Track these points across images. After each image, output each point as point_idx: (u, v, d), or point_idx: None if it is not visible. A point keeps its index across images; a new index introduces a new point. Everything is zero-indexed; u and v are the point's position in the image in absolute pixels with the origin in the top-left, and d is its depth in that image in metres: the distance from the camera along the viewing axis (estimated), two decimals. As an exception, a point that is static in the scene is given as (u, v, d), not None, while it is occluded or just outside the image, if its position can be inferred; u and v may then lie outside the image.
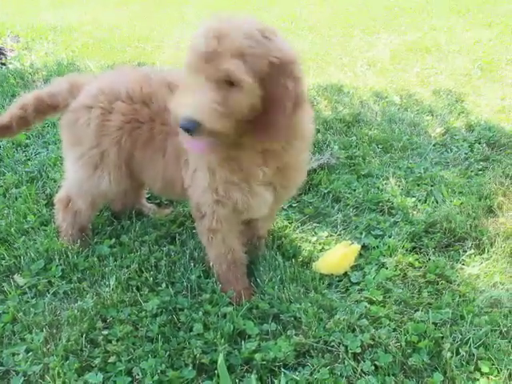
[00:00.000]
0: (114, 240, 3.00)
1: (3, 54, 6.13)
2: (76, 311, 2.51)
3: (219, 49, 1.94)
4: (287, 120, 2.12)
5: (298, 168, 2.52)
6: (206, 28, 2.02)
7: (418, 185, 3.71)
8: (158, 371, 2.20)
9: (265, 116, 2.07)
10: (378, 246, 3.02)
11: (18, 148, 4.10)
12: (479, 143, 4.30)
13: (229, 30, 1.96)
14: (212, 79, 1.95)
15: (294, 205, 3.36)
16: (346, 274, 2.83)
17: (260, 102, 2.04)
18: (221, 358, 2.21)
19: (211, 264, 2.72)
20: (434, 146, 4.29)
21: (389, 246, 3.00)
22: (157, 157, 2.62)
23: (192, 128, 1.96)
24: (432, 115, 4.82)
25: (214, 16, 2.08)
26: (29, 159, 3.97)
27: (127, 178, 2.75)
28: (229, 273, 2.68)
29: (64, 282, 2.74)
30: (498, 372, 2.26)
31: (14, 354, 2.31)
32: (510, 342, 2.39)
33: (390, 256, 2.94)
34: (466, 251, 3.02)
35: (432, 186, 3.70)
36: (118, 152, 2.64)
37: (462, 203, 3.42)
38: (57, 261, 2.85)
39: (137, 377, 2.20)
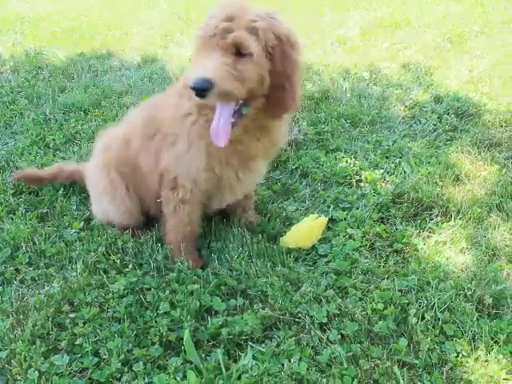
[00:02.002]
0: (81, 224, 2.99)
1: (-31, 46, 6.05)
2: (43, 296, 2.50)
3: (232, 25, 2.08)
4: (298, 89, 2.31)
5: (280, 142, 2.67)
6: (219, 9, 2.16)
7: (387, 157, 3.72)
8: (125, 350, 2.20)
9: (278, 89, 2.23)
10: (345, 219, 3.03)
11: (-15, 139, 4.05)
12: (448, 114, 4.31)
13: (240, 10, 2.13)
14: (224, 48, 2.08)
15: (262, 182, 3.35)
16: (313, 247, 2.85)
17: (269, 76, 2.19)
18: (187, 334, 2.22)
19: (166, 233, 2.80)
20: (402, 118, 4.30)
21: (356, 218, 3.01)
22: None
23: (205, 87, 2.01)
24: (401, 89, 4.82)
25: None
26: (-4, 149, 3.92)
27: None
28: (182, 243, 2.73)
29: (31, 269, 2.73)
30: (463, 334, 2.29)
31: (-20, 342, 2.30)
32: (474, 304, 2.42)
33: (358, 227, 2.95)
34: (432, 219, 3.04)
35: (400, 157, 3.71)
36: None
37: (429, 173, 3.44)
38: (24, 248, 2.83)
39: (104, 357, 2.20)
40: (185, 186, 2.60)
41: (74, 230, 2.96)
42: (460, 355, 2.21)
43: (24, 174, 3.41)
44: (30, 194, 3.34)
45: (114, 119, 4.26)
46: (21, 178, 3.41)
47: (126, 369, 2.14)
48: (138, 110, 2.84)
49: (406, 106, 4.49)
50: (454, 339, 2.28)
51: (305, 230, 2.86)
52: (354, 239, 2.85)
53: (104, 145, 2.96)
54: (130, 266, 2.67)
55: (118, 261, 2.71)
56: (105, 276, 2.61)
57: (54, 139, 4.01)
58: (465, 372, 2.15)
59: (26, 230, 2.94)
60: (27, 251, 2.82)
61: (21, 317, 2.41)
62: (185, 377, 2.11)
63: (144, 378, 2.09)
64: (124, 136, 2.80)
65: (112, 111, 4.48)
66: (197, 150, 2.46)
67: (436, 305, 2.41)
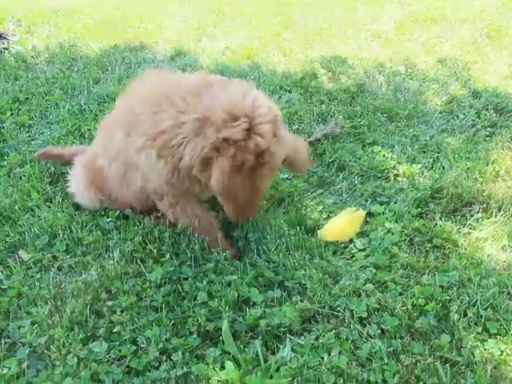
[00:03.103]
0: (117, 213, 2.99)
1: (6, 38, 6.09)
2: (80, 284, 2.51)
3: None
4: None
5: None
6: None
7: (424, 152, 3.66)
8: (163, 339, 2.20)
9: None
10: (383, 213, 2.98)
11: (22, 128, 4.08)
12: (486, 110, 4.22)
13: None
14: None
15: (298, 175, 3.32)
16: (351, 240, 2.81)
17: None
18: (225, 324, 2.20)
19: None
20: (440, 113, 4.22)
21: (394, 212, 2.97)
22: None
23: None
24: (438, 83, 4.73)
25: None
26: (32, 139, 3.95)
27: None
28: (205, 236, 2.76)
29: (68, 257, 2.74)
30: (507, 332, 2.24)
31: (19, 327, 2.32)
32: (517, 302, 2.37)
33: (396, 222, 2.91)
34: (473, 215, 2.97)
35: (438, 152, 3.64)
36: None
37: (468, 168, 3.37)
38: (61, 236, 2.84)
39: (141, 345, 2.19)
40: (164, 194, 2.68)
41: (110, 219, 2.96)
42: (504, 353, 2.16)
43: (45, 152, 3.55)
44: (65, 182, 3.35)
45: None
46: (42, 156, 3.55)
47: (164, 357, 2.14)
48: None
49: (443, 101, 4.41)
50: (498, 337, 2.22)
51: (343, 224, 2.83)
52: (392, 233, 2.80)
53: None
54: (167, 255, 2.66)
55: (155, 250, 2.70)
56: (142, 265, 2.61)
57: (89, 129, 4.03)
58: (509, 371, 2.10)
59: (63, 218, 2.95)
60: (64, 239, 2.83)
61: (59, 303, 2.42)
62: (223, 367, 2.09)
63: (182, 368, 2.08)
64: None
65: (146, 102, 4.47)
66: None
67: (478, 302, 2.35)
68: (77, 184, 3.10)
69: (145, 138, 2.42)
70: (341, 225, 2.83)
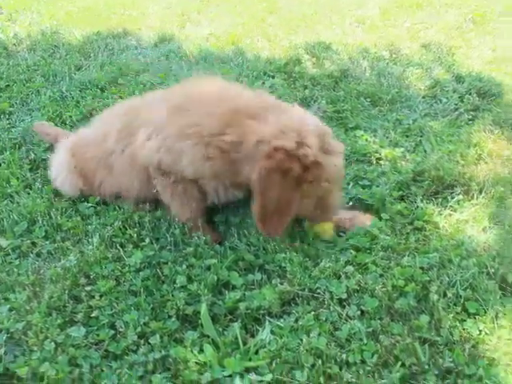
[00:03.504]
0: (97, 199, 2.96)
1: (-13, 25, 6.03)
2: (59, 269, 2.49)
3: None
4: None
5: None
6: None
7: (407, 136, 3.65)
8: (141, 323, 2.19)
9: None
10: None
11: (2, 115, 4.04)
12: (469, 94, 4.21)
13: None
14: None
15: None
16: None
17: None
18: (204, 308, 2.19)
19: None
20: (423, 98, 4.22)
21: (377, 196, 2.96)
22: None
23: None
24: (422, 68, 4.72)
25: None
26: (13, 126, 3.91)
27: None
28: (194, 219, 2.76)
29: (47, 242, 2.72)
30: (485, 312, 2.24)
31: (-3, 313, 2.29)
32: (497, 283, 2.36)
33: (378, 206, 2.90)
34: (454, 198, 2.97)
35: (421, 136, 3.64)
36: None
37: (450, 151, 3.37)
38: (40, 222, 2.82)
39: (120, 329, 2.18)
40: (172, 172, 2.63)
41: (90, 205, 2.94)
42: (482, 333, 2.16)
43: (41, 125, 3.71)
44: (45, 169, 3.32)
45: (130, 96, 4.23)
46: (38, 128, 3.68)
47: (142, 341, 2.12)
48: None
49: (426, 86, 4.40)
50: (477, 317, 2.23)
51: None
52: (374, 216, 2.80)
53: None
54: (147, 240, 2.64)
55: (135, 235, 2.68)
56: (121, 250, 2.59)
57: (70, 116, 3.98)
58: (487, 350, 2.10)
59: (43, 205, 2.93)
60: (43, 225, 2.81)
61: (37, 289, 2.40)
62: (201, 350, 2.08)
63: (160, 351, 2.07)
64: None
65: (129, 88, 4.44)
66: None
67: (458, 282, 2.35)
68: (58, 168, 3.07)
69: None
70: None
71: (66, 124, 3.90)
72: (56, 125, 3.88)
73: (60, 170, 3.07)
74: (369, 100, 4.14)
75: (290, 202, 2.43)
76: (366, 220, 2.77)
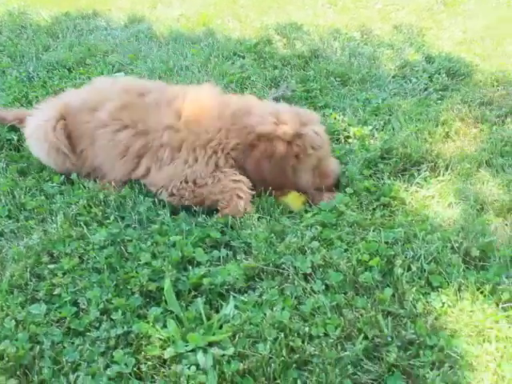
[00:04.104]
0: (62, 178, 2.92)
1: (-48, 6, 5.90)
2: (22, 248, 2.45)
3: None
4: None
5: None
6: None
7: (376, 115, 3.66)
8: (104, 300, 2.16)
9: None
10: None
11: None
12: (439, 74, 4.24)
13: None
14: None
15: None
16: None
17: None
18: (167, 283, 2.17)
19: None
20: (393, 77, 4.23)
21: (344, 173, 2.96)
22: None
23: None
24: (392, 49, 4.74)
25: None
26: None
27: None
28: None
29: (10, 222, 2.68)
30: (448, 285, 2.25)
31: (-45, 294, 2.25)
32: (460, 256, 2.38)
33: (346, 183, 2.90)
34: (421, 174, 2.99)
35: (390, 115, 3.65)
36: None
37: (418, 129, 3.38)
38: (3, 201, 2.78)
39: (82, 306, 2.15)
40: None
41: (54, 184, 2.90)
42: (445, 305, 2.17)
43: None
44: (10, 149, 3.27)
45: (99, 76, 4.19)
46: None
47: (104, 318, 2.09)
48: None
49: (396, 66, 4.41)
50: (440, 290, 2.24)
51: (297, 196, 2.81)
52: (344, 193, 2.80)
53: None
54: (112, 218, 2.62)
55: (100, 213, 2.66)
56: (86, 228, 2.55)
57: (36, 96, 3.93)
58: (449, 321, 2.11)
59: (6, 184, 2.89)
60: (6, 204, 2.76)
61: (-1, 268, 2.36)
62: (165, 326, 2.06)
63: (123, 327, 2.04)
64: None
65: (97, 69, 4.40)
66: None
67: (422, 256, 2.36)
68: (40, 125, 3.01)
69: None
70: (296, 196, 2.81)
71: (31, 104, 3.82)
72: (22, 105, 3.83)
73: (42, 127, 2.98)
74: (339, 80, 4.14)
75: (286, 177, 2.74)
76: (332, 196, 2.78)
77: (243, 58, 4.54)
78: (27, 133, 3.09)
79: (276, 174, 2.71)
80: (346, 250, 2.41)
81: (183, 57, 4.63)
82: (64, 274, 2.31)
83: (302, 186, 2.82)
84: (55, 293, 2.21)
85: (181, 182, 2.71)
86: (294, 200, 2.79)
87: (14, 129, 3.41)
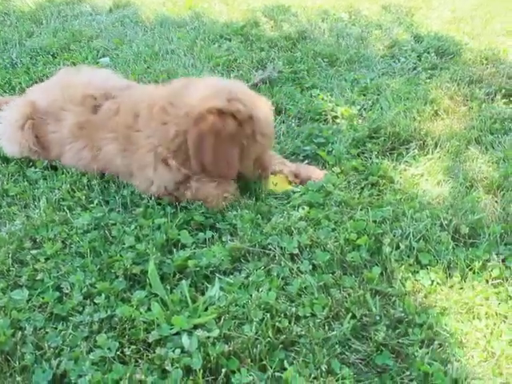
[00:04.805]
0: (45, 163, 2.87)
1: None
2: (4, 234, 2.40)
3: None
4: None
5: None
6: None
7: (364, 94, 3.62)
8: (87, 284, 2.11)
9: None
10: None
11: None
12: (428, 53, 4.21)
13: None
14: None
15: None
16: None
17: None
18: (151, 265, 2.14)
19: None
20: (381, 57, 4.19)
21: (332, 153, 2.92)
22: None
23: None
24: (381, 29, 4.69)
25: None
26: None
27: None
28: None
29: (-7, 208, 2.62)
30: (437, 262, 2.23)
31: None
32: (449, 234, 2.35)
33: (334, 162, 2.86)
34: (409, 153, 2.95)
35: (378, 95, 3.61)
36: None
37: (407, 108, 3.35)
38: (-16, 188, 2.73)
39: (65, 291, 2.10)
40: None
41: (37, 169, 2.85)
42: (434, 283, 2.15)
43: None
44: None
45: (83, 62, 4.13)
46: None
47: (88, 302, 2.05)
48: None
49: (385, 46, 4.36)
50: (429, 267, 2.21)
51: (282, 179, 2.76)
52: (330, 173, 2.76)
53: None
54: (96, 202, 2.57)
55: (84, 197, 2.61)
56: (69, 212, 2.51)
57: (20, 82, 3.85)
58: (439, 299, 2.08)
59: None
60: (-12, 192, 2.72)
61: (-20, 255, 2.31)
62: (149, 309, 2.02)
63: (106, 311, 2.00)
64: None
65: (81, 54, 4.32)
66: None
67: (411, 234, 2.33)
68: (12, 124, 2.95)
69: None
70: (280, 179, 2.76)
71: (15, 91, 3.77)
72: (5, 92, 3.76)
73: (10, 128, 2.94)
74: (326, 60, 4.09)
75: (230, 162, 2.50)
76: (319, 174, 2.73)
77: (230, 40, 4.48)
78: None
79: (219, 155, 2.44)
80: (333, 230, 2.38)
81: (169, 41, 4.56)
82: (47, 259, 2.26)
83: (243, 176, 2.66)
84: (38, 278, 2.16)
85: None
86: (278, 182, 2.74)
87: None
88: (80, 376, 1.77)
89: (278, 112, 3.36)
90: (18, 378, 1.78)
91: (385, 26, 4.76)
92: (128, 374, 1.75)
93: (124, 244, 2.31)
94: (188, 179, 2.59)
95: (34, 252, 2.29)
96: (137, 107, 2.61)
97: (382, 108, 3.40)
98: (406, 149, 3.00)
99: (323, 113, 3.35)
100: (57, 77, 3.14)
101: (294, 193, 2.66)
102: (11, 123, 2.93)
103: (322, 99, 3.49)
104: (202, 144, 2.41)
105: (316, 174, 2.76)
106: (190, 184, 2.58)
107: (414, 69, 4.00)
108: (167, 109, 2.50)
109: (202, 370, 1.77)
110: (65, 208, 2.55)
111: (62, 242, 2.35)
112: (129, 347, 1.86)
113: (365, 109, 3.41)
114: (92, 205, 2.56)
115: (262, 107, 2.54)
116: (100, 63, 4.17)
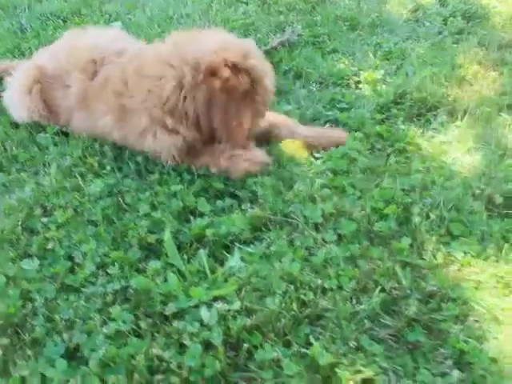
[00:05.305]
0: (56, 128, 2.75)
1: None
2: (13, 201, 2.30)
3: None
4: None
5: None
6: None
7: (388, 59, 3.46)
8: (100, 253, 2.01)
9: None
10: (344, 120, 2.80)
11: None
12: (454, 17, 4.02)
13: None
14: None
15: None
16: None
17: None
18: (168, 234, 2.03)
19: None
20: (405, 22, 4.02)
21: (356, 118, 2.78)
22: None
23: None
24: (403, -8, 4.50)
25: None
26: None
27: None
28: None
29: (2, 175, 2.52)
30: (470, 233, 2.10)
31: None
32: (483, 203, 2.22)
33: (357, 128, 2.72)
34: (437, 120, 2.81)
35: (402, 59, 3.45)
36: None
37: (434, 73, 3.18)
38: (-7, 154, 2.62)
39: (77, 261, 2.00)
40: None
41: (48, 135, 2.73)
42: (468, 255, 2.02)
43: None
44: (1, 102, 3.09)
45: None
46: None
47: (100, 272, 1.95)
48: None
49: (408, 10, 4.18)
50: (461, 239, 2.08)
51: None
52: (353, 139, 2.62)
53: None
54: (109, 168, 2.46)
55: (96, 164, 2.49)
56: (81, 179, 2.40)
57: (29, 47, 3.74)
58: (473, 272, 1.96)
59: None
60: (-3, 157, 2.61)
61: (-12, 223, 2.21)
62: (166, 280, 1.91)
63: (120, 282, 1.89)
64: None
65: (93, 19, 4.20)
66: None
67: (442, 203, 2.20)
68: (19, 89, 2.86)
69: None
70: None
71: (24, 55, 3.65)
72: (14, 57, 3.64)
73: (17, 94, 2.84)
74: (347, 24, 3.92)
75: (241, 123, 2.34)
76: (341, 135, 2.59)
77: (246, 4, 4.32)
78: (5, 102, 2.94)
79: (231, 115, 2.29)
80: (359, 198, 2.25)
81: (183, 4, 4.40)
82: (58, 227, 2.16)
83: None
84: (48, 247, 2.06)
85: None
86: (295, 148, 2.60)
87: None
88: (93, 350, 1.68)
89: (298, 77, 3.22)
90: (29, 352, 1.69)
91: (408, -12, 4.56)
92: (144, 349, 1.64)
93: (138, 212, 2.20)
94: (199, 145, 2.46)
95: (44, 220, 2.19)
96: (125, 72, 2.47)
97: (407, 73, 3.24)
98: (434, 115, 2.85)
99: (345, 77, 3.20)
100: (64, 39, 3.00)
101: (317, 159, 2.53)
102: (19, 88, 2.84)
103: (344, 63, 3.34)
104: (211, 101, 2.26)
105: (336, 134, 2.62)
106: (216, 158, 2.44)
107: (440, 33, 3.82)
108: (169, 61, 2.33)
109: (222, 345, 1.66)
110: (76, 174, 2.44)
111: (74, 209, 2.25)
112: (144, 320, 1.76)
113: (389, 74, 3.26)
114: (105, 171, 2.45)
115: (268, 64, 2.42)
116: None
